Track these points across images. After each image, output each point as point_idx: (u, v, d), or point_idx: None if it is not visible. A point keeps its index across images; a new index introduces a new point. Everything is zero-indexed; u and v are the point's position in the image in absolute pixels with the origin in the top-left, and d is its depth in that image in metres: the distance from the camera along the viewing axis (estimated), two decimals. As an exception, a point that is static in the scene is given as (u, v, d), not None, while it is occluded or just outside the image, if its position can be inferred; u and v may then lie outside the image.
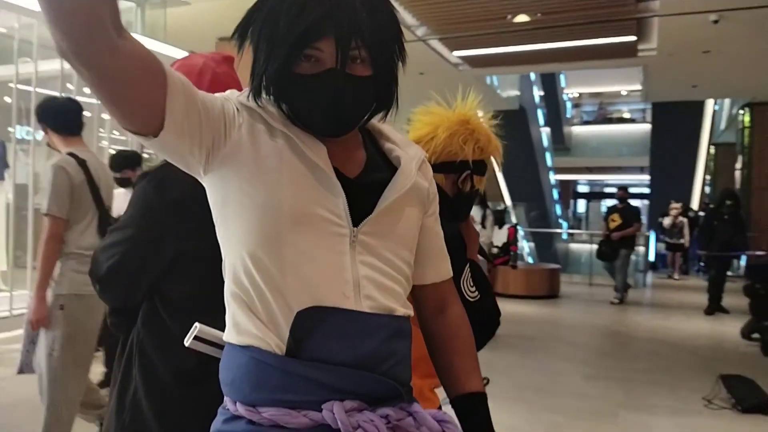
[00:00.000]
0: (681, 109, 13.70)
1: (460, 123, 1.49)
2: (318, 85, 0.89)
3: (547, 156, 16.94)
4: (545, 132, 16.87)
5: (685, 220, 10.89)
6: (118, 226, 1.29)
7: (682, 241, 11.02)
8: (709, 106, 14.28)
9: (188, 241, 1.25)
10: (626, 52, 8.82)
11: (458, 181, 1.51)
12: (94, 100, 4.73)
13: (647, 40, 8.44)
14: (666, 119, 14.30)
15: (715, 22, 7.17)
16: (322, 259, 0.89)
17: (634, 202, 9.35)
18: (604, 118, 23.34)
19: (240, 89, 1.36)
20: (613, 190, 14.59)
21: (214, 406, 1.21)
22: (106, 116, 5.62)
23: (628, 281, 8.71)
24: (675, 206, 11.01)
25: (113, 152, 3.98)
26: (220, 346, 1.01)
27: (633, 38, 8.20)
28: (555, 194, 18.01)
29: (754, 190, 11.96)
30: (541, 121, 16.29)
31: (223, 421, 0.93)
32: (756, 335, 5.87)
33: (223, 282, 1.21)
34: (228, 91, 0.97)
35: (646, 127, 21.77)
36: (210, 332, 1.03)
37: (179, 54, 6.42)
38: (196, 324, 1.04)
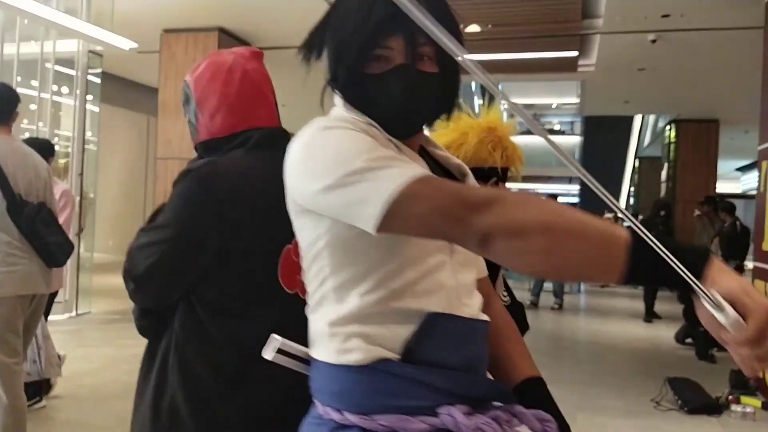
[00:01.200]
0: (611, 123, 14.39)
1: (488, 130, 1.51)
2: (389, 82, 0.90)
3: (483, 164, 17.38)
4: (482, 141, 17.31)
5: None
6: (158, 224, 1.22)
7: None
8: (637, 121, 15.08)
9: (232, 241, 1.20)
10: (567, 66, 9.17)
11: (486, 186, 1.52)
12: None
13: (587, 56, 8.81)
14: (597, 132, 14.98)
15: (653, 41, 7.57)
16: (431, 268, 0.90)
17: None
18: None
19: (269, 85, 1.33)
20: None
21: (254, 408, 1.19)
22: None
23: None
24: (608, 216, 11.49)
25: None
26: (302, 359, 0.98)
27: (575, 53, 8.54)
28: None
29: (678, 202, 12.69)
30: (479, 130, 16.71)
31: (330, 431, 0.89)
32: (689, 340, 6.21)
33: (265, 281, 1.16)
34: (341, 117, 0.94)
35: (576, 139, 22.82)
36: (292, 345, 0.99)
37: (125, 44, 6.15)
38: (275, 336, 0.99)
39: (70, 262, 6.17)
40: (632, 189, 16.61)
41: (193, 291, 1.22)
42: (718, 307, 0.68)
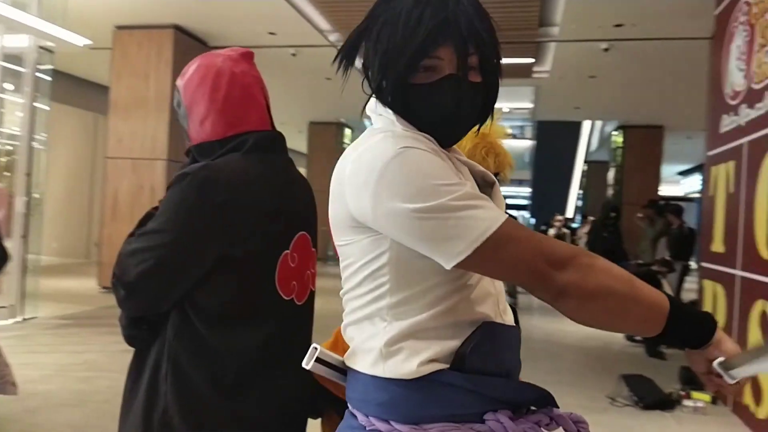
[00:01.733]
0: (561, 128, 14.78)
1: (481, 136, 1.52)
2: (438, 92, 0.90)
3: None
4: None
5: (567, 231, 11.71)
6: (151, 229, 1.17)
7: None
8: (586, 126, 15.55)
9: (230, 247, 1.17)
10: (523, 72, 9.38)
11: None
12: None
13: (542, 62, 9.04)
14: (548, 137, 15.36)
15: (606, 50, 7.83)
16: (480, 277, 0.92)
17: (515, 213, 9.85)
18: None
19: (260, 87, 1.30)
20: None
21: (251, 420, 1.16)
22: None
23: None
24: (559, 218, 11.85)
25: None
26: (340, 370, 0.99)
27: (531, 60, 8.75)
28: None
29: (625, 205, 13.15)
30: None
31: None
32: (639, 337, 6.44)
33: (264, 288, 1.14)
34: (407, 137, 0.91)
35: (527, 143, 23.32)
36: (331, 356, 0.99)
37: (78, 40, 5.93)
38: (316, 345, 0.98)
39: (15, 266, 5.91)
40: (581, 191, 17.10)
41: (188, 299, 1.18)
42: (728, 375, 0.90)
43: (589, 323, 0.88)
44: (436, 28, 0.88)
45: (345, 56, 0.97)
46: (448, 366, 0.89)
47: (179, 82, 1.35)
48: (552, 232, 11.57)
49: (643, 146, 13.05)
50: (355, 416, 0.95)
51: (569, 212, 16.44)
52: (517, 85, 10.11)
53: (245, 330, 1.19)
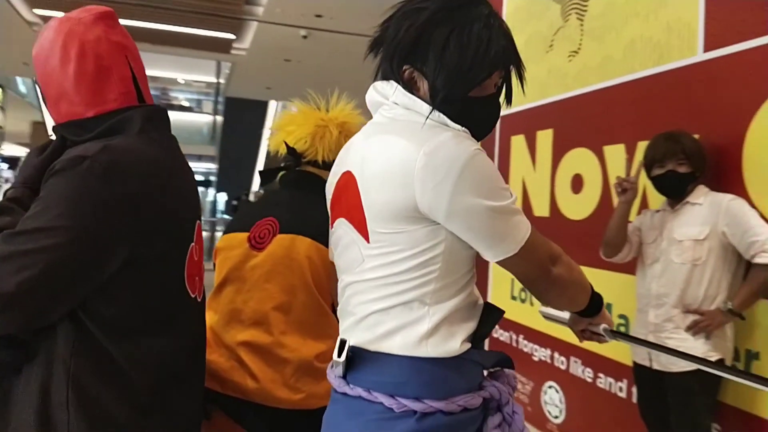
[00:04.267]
0: (250, 106, 14.98)
1: (342, 124, 1.59)
2: (491, 106, 1.04)
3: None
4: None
5: None
6: (35, 227, 0.94)
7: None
8: (272, 106, 16.07)
9: (143, 246, 1.02)
10: (221, 47, 9.27)
11: None
12: None
13: (242, 40, 9.08)
14: (236, 113, 15.38)
15: (304, 37, 8.28)
16: None
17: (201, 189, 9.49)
18: (167, 104, 23.34)
19: (123, 53, 1.13)
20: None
21: None
22: None
23: None
24: (258, 195, 12.04)
25: None
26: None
27: (232, 36, 8.71)
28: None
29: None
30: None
31: (417, 420, 0.95)
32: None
33: (175, 289, 1.07)
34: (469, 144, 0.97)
35: (206, 117, 22.88)
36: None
37: None
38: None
39: None
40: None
41: (83, 308, 0.99)
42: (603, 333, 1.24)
43: (552, 305, 1.12)
44: (500, 54, 1.01)
45: (407, 60, 1.04)
46: (470, 344, 1.01)
47: (33, 53, 1.11)
48: None
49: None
50: (372, 402, 0.98)
51: (255, 187, 16.90)
52: (212, 59, 9.94)
53: (158, 338, 1.06)
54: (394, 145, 0.97)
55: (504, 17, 4.02)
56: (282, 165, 1.58)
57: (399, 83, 1.06)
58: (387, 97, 1.07)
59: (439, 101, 1.00)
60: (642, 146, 2.49)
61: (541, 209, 3.44)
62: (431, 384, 0.97)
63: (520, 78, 1.07)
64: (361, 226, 1.01)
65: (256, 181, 17.35)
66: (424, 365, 0.97)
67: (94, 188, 0.96)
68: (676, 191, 2.24)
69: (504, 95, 1.07)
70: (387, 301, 0.99)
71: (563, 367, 3.22)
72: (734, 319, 2.06)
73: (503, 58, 1.03)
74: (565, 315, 1.28)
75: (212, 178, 22.96)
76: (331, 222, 1.16)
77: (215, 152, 18.03)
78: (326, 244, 1.42)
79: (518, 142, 3.75)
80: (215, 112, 19.24)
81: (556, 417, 3.28)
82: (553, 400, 3.31)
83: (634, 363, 2.37)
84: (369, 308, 1.01)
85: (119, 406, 1.00)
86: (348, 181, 1.06)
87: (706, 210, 2.16)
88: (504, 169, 3.89)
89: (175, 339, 1.09)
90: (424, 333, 0.97)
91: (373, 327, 1.00)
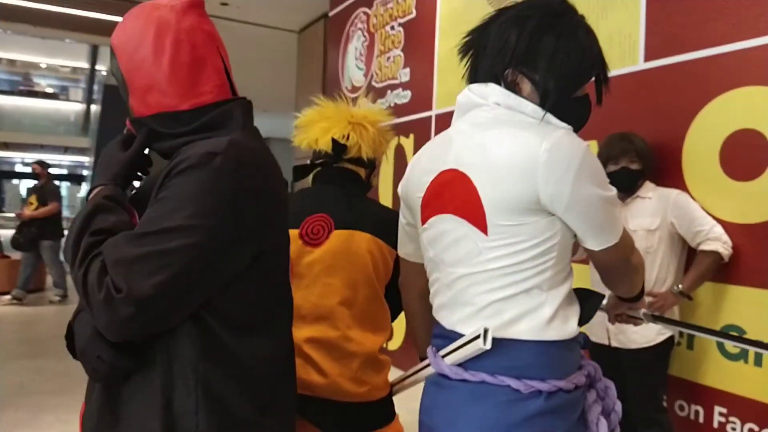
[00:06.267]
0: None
1: (375, 122, 1.60)
2: (586, 105, 1.14)
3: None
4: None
5: None
6: (166, 227, 0.89)
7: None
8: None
9: (265, 241, 1.01)
10: (111, 31, 8.64)
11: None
12: None
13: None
14: (115, 103, 14.34)
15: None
16: None
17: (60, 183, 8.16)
18: (29, 91, 21.20)
19: (216, 44, 1.12)
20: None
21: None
22: None
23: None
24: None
25: None
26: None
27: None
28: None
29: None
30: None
31: (545, 400, 1.02)
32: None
33: (284, 285, 1.08)
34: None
35: (74, 106, 21.11)
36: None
37: None
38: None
39: None
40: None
41: (206, 307, 0.95)
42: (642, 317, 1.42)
43: (618, 290, 1.23)
44: (598, 58, 1.12)
45: (466, 51, 1.12)
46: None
47: (113, 41, 1.05)
48: None
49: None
50: (499, 386, 1.04)
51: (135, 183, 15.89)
52: (104, 44, 9.25)
53: (271, 334, 1.04)
54: (513, 143, 1.04)
55: (437, 20, 4.20)
56: (317, 161, 1.57)
57: (501, 85, 1.13)
58: (485, 98, 1.13)
59: (550, 103, 1.08)
60: (591, 145, 2.73)
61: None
62: (554, 365, 1.05)
63: (606, 80, 1.17)
64: (477, 219, 1.06)
65: (138, 174, 16.36)
66: (548, 348, 1.05)
67: (226, 185, 0.94)
68: (628, 186, 2.48)
69: (596, 94, 1.17)
70: (509, 290, 1.05)
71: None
72: (683, 299, 2.34)
73: (600, 61, 1.13)
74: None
75: (85, 173, 21.22)
76: (421, 218, 1.20)
77: (89, 144, 16.71)
78: (384, 238, 1.46)
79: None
80: (89, 101, 17.83)
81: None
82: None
83: (592, 342, 2.60)
84: (491, 297, 1.06)
85: (244, 406, 0.98)
86: (455, 178, 1.11)
87: (655, 203, 2.42)
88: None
89: (282, 334, 1.08)
90: (548, 317, 1.05)
91: (496, 315, 1.06)
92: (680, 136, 2.51)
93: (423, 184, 1.19)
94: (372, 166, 1.61)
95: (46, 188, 6.94)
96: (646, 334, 2.34)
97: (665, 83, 2.60)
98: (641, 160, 2.46)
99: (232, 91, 1.11)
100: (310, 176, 1.61)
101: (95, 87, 15.05)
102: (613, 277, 1.16)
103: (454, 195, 1.11)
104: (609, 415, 1.14)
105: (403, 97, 4.57)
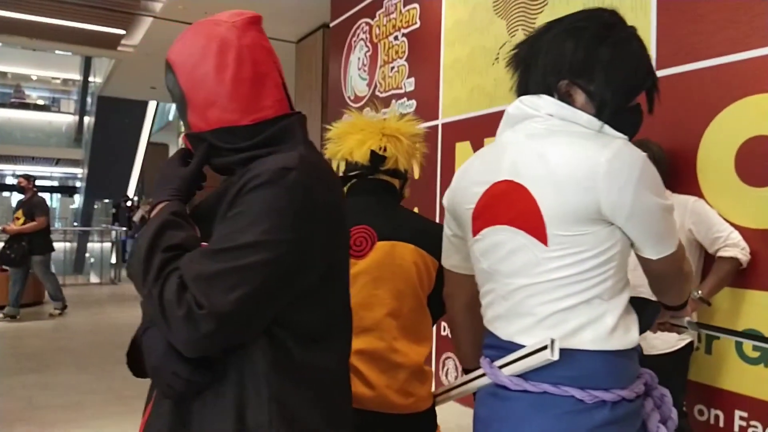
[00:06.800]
0: (125, 106, 14.02)
1: (412, 136, 1.62)
2: (638, 114, 1.15)
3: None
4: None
5: None
6: (243, 242, 0.90)
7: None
8: (152, 107, 15.16)
9: (337, 252, 1.03)
10: (108, 43, 8.64)
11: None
12: None
13: (132, 36, 8.52)
14: (108, 114, 14.29)
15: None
16: None
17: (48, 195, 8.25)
18: (20, 103, 21.10)
19: (274, 60, 1.11)
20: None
21: None
22: None
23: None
24: (147, 202, 11.22)
25: None
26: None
27: (122, 32, 8.15)
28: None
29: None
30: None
31: (610, 410, 1.03)
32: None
33: (347, 295, 1.09)
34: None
35: (66, 117, 21.05)
36: None
37: None
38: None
39: None
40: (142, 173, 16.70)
41: (277, 319, 0.96)
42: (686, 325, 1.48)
43: (666, 299, 1.22)
44: (651, 69, 1.14)
45: (582, 73, 1.12)
46: None
47: (172, 57, 1.05)
48: (138, 216, 10.88)
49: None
50: (562, 396, 1.04)
51: (131, 193, 15.84)
52: (95, 55, 9.24)
53: (336, 344, 1.05)
54: (574, 153, 1.05)
55: (443, 30, 4.23)
56: (351, 173, 1.58)
57: (554, 96, 1.14)
58: (538, 109, 1.14)
59: (608, 114, 1.10)
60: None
61: (491, 211, 3.66)
62: (617, 374, 1.06)
63: (656, 89, 1.18)
64: (536, 230, 1.07)
65: (133, 186, 16.29)
66: (611, 357, 1.06)
67: (301, 200, 0.94)
68: (645, 194, 2.51)
69: (647, 103, 1.19)
70: (570, 300, 1.06)
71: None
72: (703, 305, 2.36)
73: (652, 72, 1.15)
74: None
75: (78, 184, 21.11)
76: (472, 230, 1.21)
77: (82, 155, 16.62)
78: (426, 248, 1.47)
79: (463, 148, 3.94)
80: (81, 112, 17.76)
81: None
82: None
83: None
84: (552, 307, 1.07)
85: (315, 418, 0.99)
86: (510, 189, 1.12)
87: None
88: (447, 173, 4.07)
89: (345, 347, 1.09)
90: (611, 327, 1.05)
91: (558, 325, 1.06)
92: (695, 144, 2.55)
93: (474, 195, 1.20)
94: (405, 177, 1.63)
95: (32, 202, 6.87)
96: (667, 340, 2.36)
97: (678, 91, 2.64)
98: (658, 167, 2.45)
99: (290, 105, 1.12)
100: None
101: (89, 99, 14.98)
102: (664, 285, 1.17)
103: (510, 206, 1.12)
104: (665, 423, 1.15)
105: (408, 106, 4.59)
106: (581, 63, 1.11)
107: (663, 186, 1.08)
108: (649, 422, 1.11)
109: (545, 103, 1.14)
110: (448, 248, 1.34)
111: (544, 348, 1.03)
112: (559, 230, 1.06)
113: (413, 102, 4.57)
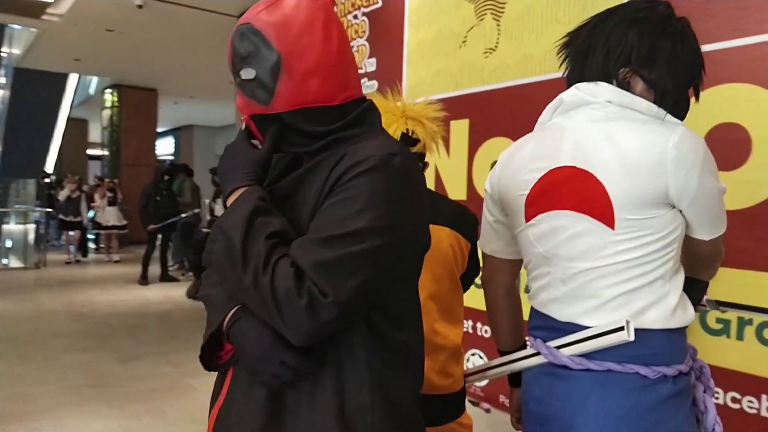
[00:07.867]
0: (43, 80, 13.14)
1: (433, 118, 1.62)
2: (688, 101, 1.20)
3: None
4: None
5: (82, 194, 10.42)
6: (356, 229, 0.89)
7: (80, 218, 10.21)
8: (73, 80, 14.25)
9: (426, 237, 1.03)
10: (31, 11, 8.03)
11: None
12: None
13: (59, 4, 7.96)
14: (27, 87, 13.34)
15: (140, 6, 7.54)
16: None
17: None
18: None
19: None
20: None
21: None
22: None
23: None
24: (73, 179, 10.54)
25: None
26: None
27: (49, 0, 7.59)
28: None
29: (123, 167, 12.92)
30: None
31: (672, 383, 1.10)
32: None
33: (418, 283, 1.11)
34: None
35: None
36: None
37: None
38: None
39: None
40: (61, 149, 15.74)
41: (374, 303, 0.96)
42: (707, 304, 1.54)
43: (704, 275, 1.29)
44: (702, 58, 1.19)
45: (645, 65, 1.16)
46: None
47: (259, 21, 0.98)
48: (63, 195, 10.19)
49: (139, 107, 13.02)
50: (627, 373, 1.09)
51: (50, 168, 14.90)
52: (16, 23, 8.57)
53: (420, 327, 1.07)
54: (642, 139, 1.09)
55: (407, 11, 4.22)
56: None
57: (613, 84, 1.18)
58: (596, 96, 1.17)
59: (669, 103, 1.16)
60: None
61: (458, 193, 3.72)
62: (677, 350, 1.13)
63: (701, 79, 1.25)
64: (603, 215, 1.11)
65: (51, 162, 15.34)
66: (673, 335, 1.12)
67: (405, 185, 0.95)
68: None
69: (694, 92, 1.24)
70: (636, 281, 1.10)
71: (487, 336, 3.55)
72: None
73: (702, 61, 1.21)
74: None
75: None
76: (525, 216, 1.23)
77: (-5, 131, 15.46)
78: (461, 231, 1.49)
79: (429, 129, 3.97)
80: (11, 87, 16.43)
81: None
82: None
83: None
84: (618, 290, 1.11)
85: (410, 401, 1.01)
86: (572, 175, 1.15)
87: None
88: (412, 155, 4.09)
89: (422, 328, 1.10)
90: (674, 306, 1.11)
91: (623, 307, 1.11)
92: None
93: (526, 182, 1.22)
94: (424, 160, 1.63)
95: None
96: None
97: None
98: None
99: None
100: None
101: (2, 71, 13.87)
102: (704, 263, 1.25)
103: (573, 192, 1.15)
104: (705, 392, 1.23)
105: (369, 87, 4.56)
106: (646, 53, 1.15)
107: (717, 169, 1.14)
108: (696, 392, 1.19)
109: (604, 89, 1.17)
110: (488, 233, 1.36)
111: (619, 329, 1.08)
112: (627, 214, 1.09)
113: (374, 83, 4.54)
